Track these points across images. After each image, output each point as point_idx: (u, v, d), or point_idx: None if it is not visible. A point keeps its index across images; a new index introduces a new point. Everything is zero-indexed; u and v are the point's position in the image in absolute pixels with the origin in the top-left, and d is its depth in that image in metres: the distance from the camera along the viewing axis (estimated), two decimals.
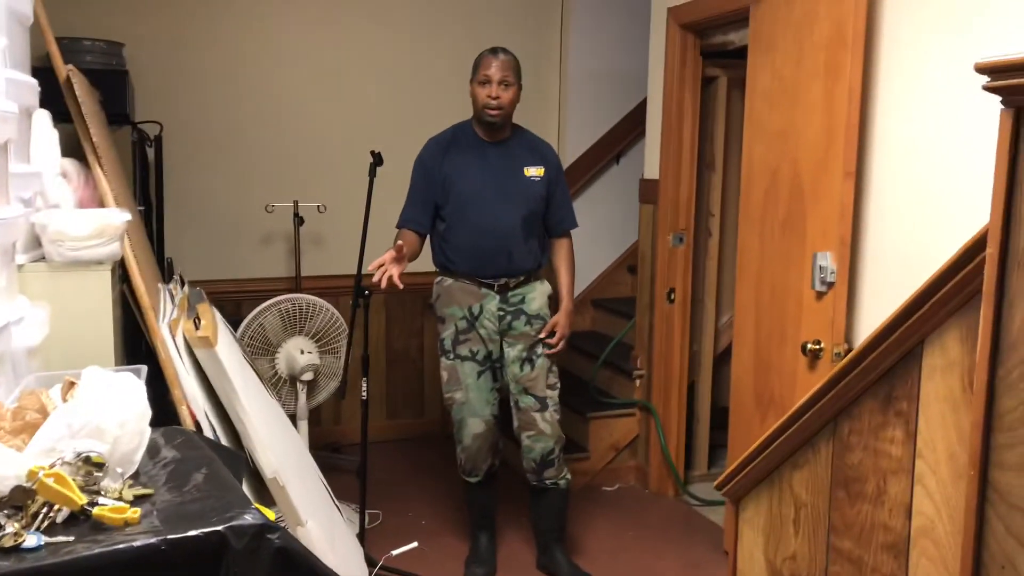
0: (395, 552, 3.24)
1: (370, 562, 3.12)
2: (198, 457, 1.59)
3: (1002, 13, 2.25)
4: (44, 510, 1.28)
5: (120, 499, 1.36)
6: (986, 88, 1.25)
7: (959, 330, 1.58)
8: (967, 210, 2.36)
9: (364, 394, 3.16)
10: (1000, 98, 1.24)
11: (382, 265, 2.75)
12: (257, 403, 2.48)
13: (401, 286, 2.73)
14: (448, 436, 3.51)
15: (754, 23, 3.12)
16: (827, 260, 2.75)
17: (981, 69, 1.24)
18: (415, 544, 3.29)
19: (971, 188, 2.34)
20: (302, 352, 3.56)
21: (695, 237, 3.95)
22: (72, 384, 1.57)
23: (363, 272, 2.85)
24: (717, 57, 3.88)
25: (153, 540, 1.26)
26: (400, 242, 2.85)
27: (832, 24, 2.70)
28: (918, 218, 2.54)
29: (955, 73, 2.40)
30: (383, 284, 2.73)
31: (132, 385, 1.52)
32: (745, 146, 3.21)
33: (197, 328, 2.34)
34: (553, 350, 3.10)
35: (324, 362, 3.66)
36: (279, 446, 2.48)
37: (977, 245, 1.45)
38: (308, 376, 3.58)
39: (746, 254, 3.20)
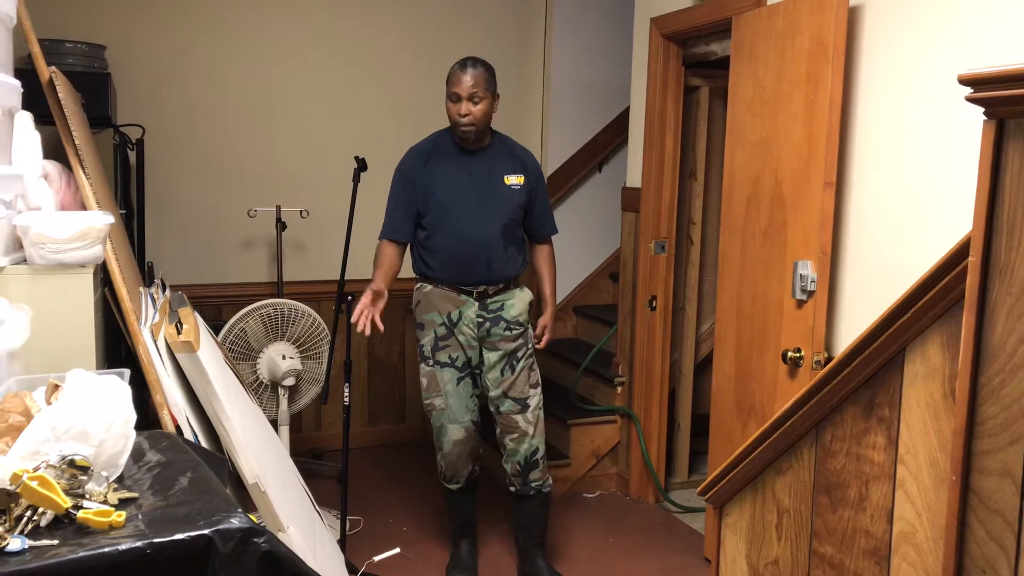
0: (376, 558, 3.23)
1: (351, 568, 3.10)
2: (183, 461, 1.58)
3: (978, 26, 2.29)
4: (28, 513, 1.27)
5: (105, 502, 1.35)
6: (968, 99, 1.27)
7: (941, 337, 1.60)
8: (946, 220, 2.39)
9: (346, 400, 3.16)
10: (982, 109, 1.26)
11: (363, 311, 2.87)
12: (238, 408, 2.47)
13: (382, 329, 2.89)
14: (429, 442, 3.51)
15: (736, 34, 3.15)
16: (807, 269, 2.78)
17: (964, 81, 1.27)
18: (396, 550, 3.28)
19: (950, 198, 2.38)
20: (284, 357, 3.55)
21: (677, 245, 3.98)
22: (56, 387, 1.55)
23: (349, 320, 2.94)
24: (699, 67, 3.91)
25: (139, 543, 1.25)
26: (379, 285, 2.94)
27: (813, 36, 2.74)
28: (897, 227, 2.58)
29: (933, 85, 2.43)
30: (367, 332, 2.86)
31: (117, 388, 1.51)
32: (727, 155, 3.24)
33: (179, 332, 2.33)
34: (539, 344, 3.19)
35: (306, 367, 3.65)
36: (260, 451, 2.47)
37: (959, 253, 1.47)
38: (290, 382, 3.56)
39: (727, 262, 3.23)
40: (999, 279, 1.26)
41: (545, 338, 3.19)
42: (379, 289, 2.91)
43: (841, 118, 2.70)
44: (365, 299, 2.88)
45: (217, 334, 3.37)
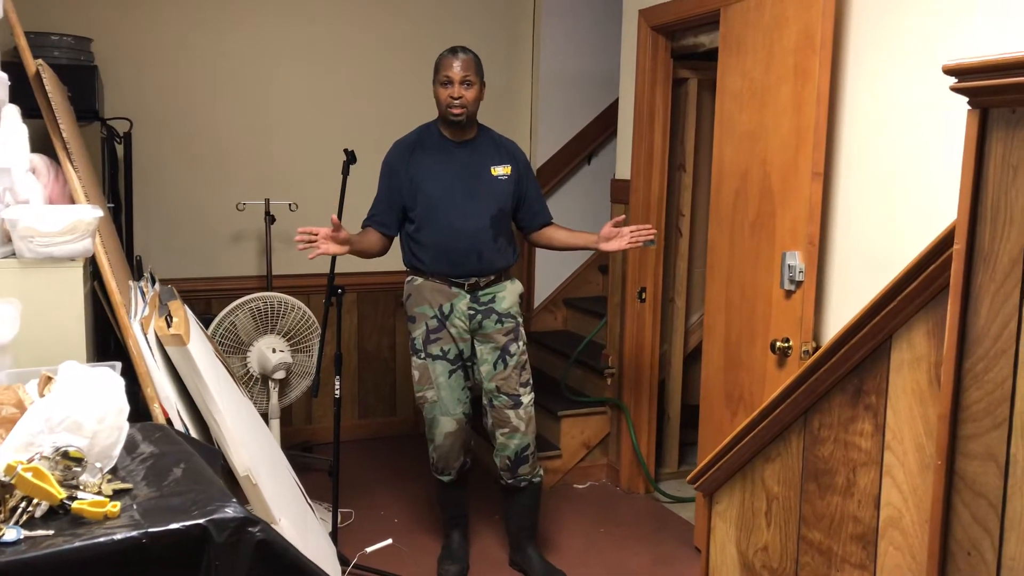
0: (369, 550, 3.24)
1: (343, 560, 3.11)
2: (176, 452, 1.59)
3: (962, 19, 2.31)
4: (23, 504, 1.28)
5: (99, 493, 1.36)
6: (953, 89, 1.29)
7: (926, 325, 1.62)
8: (931, 210, 2.42)
9: (337, 393, 3.16)
10: (967, 99, 1.28)
11: (312, 237, 2.77)
12: (229, 401, 2.47)
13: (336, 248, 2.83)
14: (420, 435, 3.52)
15: (724, 26, 3.17)
16: (796, 259, 2.80)
17: (948, 71, 1.28)
18: (389, 541, 3.30)
19: (934, 188, 2.40)
20: (274, 351, 3.55)
21: (666, 237, 4.00)
22: (49, 379, 1.56)
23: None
24: (688, 59, 3.92)
25: (134, 533, 1.26)
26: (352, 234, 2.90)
27: (801, 28, 2.75)
28: (884, 218, 2.60)
29: (920, 76, 2.45)
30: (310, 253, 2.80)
31: (110, 380, 1.51)
32: (715, 147, 3.25)
33: (169, 325, 2.33)
34: (648, 234, 3.05)
35: (296, 361, 3.65)
36: (251, 444, 2.47)
37: (944, 242, 1.49)
38: (280, 375, 3.56)
39: (716, 254, 3.25)
40: (983, 266, 1.28)
41: (629, 228, 3.04)
42: (347, 236, 2.85)
43: (829, 109, 2.71)
44: (323, 230, 2.78)
45: (207, 328, 3.37)
